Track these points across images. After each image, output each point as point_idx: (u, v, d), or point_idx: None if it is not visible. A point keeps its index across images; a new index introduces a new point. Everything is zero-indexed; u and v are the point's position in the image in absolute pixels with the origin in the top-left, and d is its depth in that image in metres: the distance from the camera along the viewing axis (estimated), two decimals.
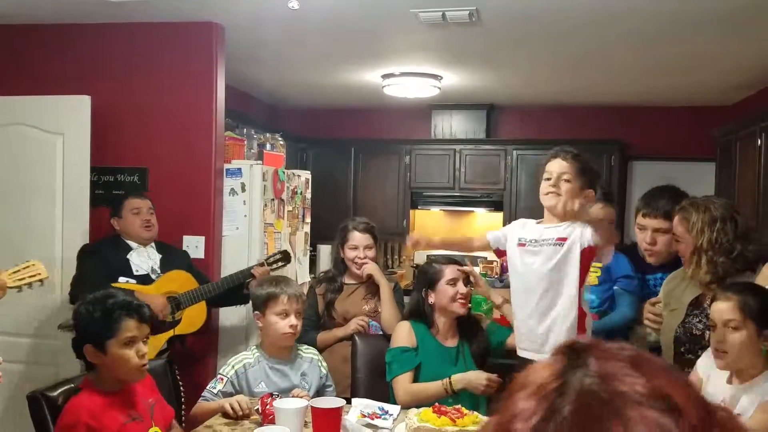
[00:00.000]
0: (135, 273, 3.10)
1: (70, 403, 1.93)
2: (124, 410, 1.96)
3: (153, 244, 3.24)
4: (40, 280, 2.45)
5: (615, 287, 2.89)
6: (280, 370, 2.48)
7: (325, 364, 2.62)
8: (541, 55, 4.24)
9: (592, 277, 2.78)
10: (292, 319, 2.45)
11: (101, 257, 3.08)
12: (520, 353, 2.47)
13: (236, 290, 3.27)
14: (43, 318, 3.41)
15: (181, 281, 3.16)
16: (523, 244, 2.43)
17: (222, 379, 2.41)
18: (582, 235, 2.31)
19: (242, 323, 3.71)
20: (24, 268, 2.43)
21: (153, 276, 3.13)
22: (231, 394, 2.35)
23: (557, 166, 2.36)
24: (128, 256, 3.13)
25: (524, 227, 2.48)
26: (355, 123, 6.37)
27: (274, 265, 3.40)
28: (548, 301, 2.37)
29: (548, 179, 2.36)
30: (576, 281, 2.34)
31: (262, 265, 3.34)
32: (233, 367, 2.44)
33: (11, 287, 2.38)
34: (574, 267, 2.33)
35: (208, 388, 2.41)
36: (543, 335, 2.39)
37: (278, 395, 2.23)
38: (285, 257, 3.48)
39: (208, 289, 3.17)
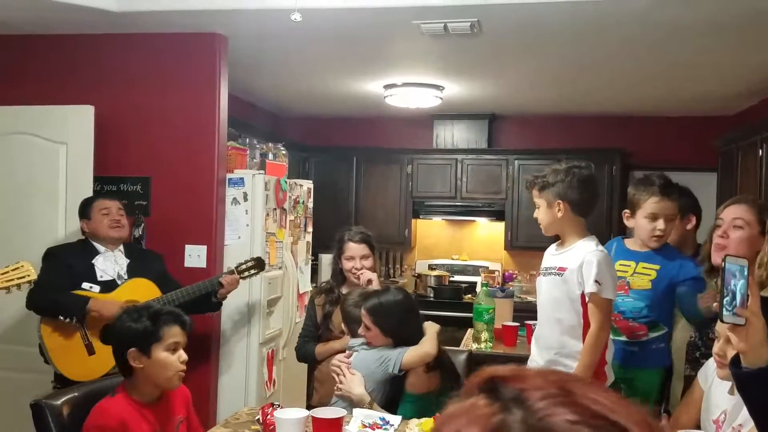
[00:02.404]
0: (99, 279, 3.00)
1: (102, 405, 1.95)
2: (154, 425, 1.97)
3: (121, 248, 3.14)
4: (29, 281, 2.52)
5: (681, 288, 2.65)
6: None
7: None
8: (542, 65, 4.26)
9: (645, 281, 2.61)
10: None
11: (64, 262, 3.00)
12: None
13: (205, 299, 3.14)
14: (38, 325, 3.39)
15: (144, 290, 3.04)
16: (540, 273, 2.45)
17: None
18: (584, 279, 2.26)
19: (243, 317, 3.71)
20: (12, 270, 2.46)
21: (119, 282, 3.04)
22: None
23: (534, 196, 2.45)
24: (93, 261, 3.04)
25: (546, 255, 2.51)
26: (357, 132, 6.39)
27: (245, 273, 3.24)
28: (550, 333, 2.35)
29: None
30: (575, 320, 2.29)
31: (231, 273, 3.20)
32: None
33: (0, 288, 2.44)
34: (574, 306, 2.29)
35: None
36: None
37: (279, 405, 2.23)
38: (258, 264, 3.27)
39: (170, 298, 3.02)
